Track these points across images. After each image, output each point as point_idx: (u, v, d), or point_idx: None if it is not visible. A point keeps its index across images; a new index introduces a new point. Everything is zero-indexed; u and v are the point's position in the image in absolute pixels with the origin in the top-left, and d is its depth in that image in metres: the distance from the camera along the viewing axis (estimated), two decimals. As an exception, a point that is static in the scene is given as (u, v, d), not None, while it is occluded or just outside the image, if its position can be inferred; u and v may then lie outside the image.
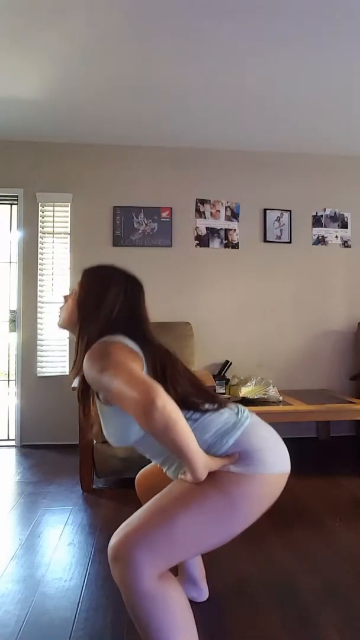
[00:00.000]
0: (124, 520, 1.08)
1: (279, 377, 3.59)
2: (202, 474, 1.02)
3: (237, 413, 1.19)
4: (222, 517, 1.05)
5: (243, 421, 1.16)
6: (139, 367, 1.06)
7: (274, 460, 1.12)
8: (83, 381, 1.19)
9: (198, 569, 1.50)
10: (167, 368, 1.13)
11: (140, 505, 1.27)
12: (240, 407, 1.23)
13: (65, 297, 1.31)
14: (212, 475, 1.06)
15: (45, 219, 3.60)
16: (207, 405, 1.16)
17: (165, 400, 0.96)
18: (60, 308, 1.31)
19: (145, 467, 1.48)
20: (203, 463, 1.02)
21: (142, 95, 2.89)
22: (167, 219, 3.62)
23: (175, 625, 1.00)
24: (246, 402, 2.98)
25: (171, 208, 3.63)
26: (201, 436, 1.09)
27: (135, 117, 3.19)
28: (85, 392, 1.22)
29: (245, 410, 1.22)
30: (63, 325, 1.30)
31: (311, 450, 3.41)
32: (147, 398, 0.95)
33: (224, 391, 3.11)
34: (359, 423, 3.57)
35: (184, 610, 1.02)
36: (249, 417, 1.19)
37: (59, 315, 1.31)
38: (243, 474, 1.06)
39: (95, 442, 2.56)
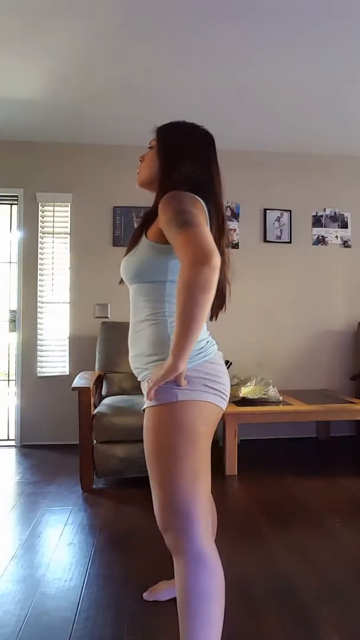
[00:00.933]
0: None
1: (279, 377, 3.59)
2: (181, 367, 1.02)
3: (209, 335, 1.23)
4: (191, 443, 1.08)
5: (211, 348, 1.20)
6: None
7: (216, 392, 1.14)
8: (144, 220, 1.22)
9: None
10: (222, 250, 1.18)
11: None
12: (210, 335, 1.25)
13: (142, 157, 1.33)
14: (158, 418, 1.08)
15: (45, 219, 3.60)
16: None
17: (218, 269, 0.97)
18: (139, 168, 1.33)
19: None
20: (188, 355, 1.02)
21: (142, 95, 2.89)
22: (167, 219, 3.62)
23: (217, 594, 1.05)
24: (246, 402, 2.98)
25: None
26: None
27: (135, 117, 3.19)
28: (141, 229, 1.23)
29: (214, 341, 1.26)
30: (142, 184, 1.32)
31: (311, 450, 3.41)
32: (209, 251, 0.95)
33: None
34: (359, 423, 3.57)
35: (223, 584, 1.08)
36: (216, 349, 1.24)
37: (138, 174, 1.33)
38: (185, 402, 1.08)
39: (95, 442, 2.56)
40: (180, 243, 1.00)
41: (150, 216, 1.20)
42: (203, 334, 1.19)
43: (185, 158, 1.21)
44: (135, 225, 3.54)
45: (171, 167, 1.20)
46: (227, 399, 1.20)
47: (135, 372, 1.23)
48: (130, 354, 1.23)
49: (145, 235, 1.17)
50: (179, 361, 1.01)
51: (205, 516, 1.09)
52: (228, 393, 1.20)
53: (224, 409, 1.19)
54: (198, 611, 1.03)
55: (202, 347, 1.15)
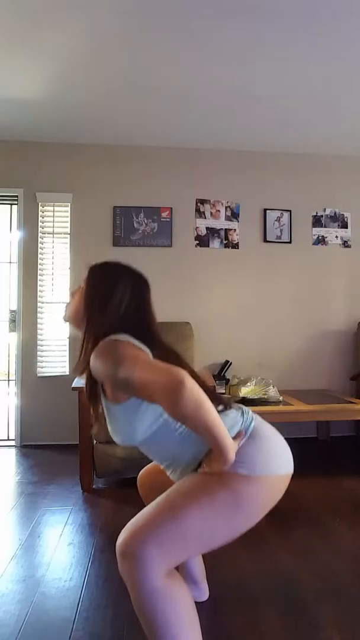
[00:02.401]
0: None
1: (279, 377, 3.58)
2: (232, 454, 1.03)
3: (242, 414, 1.20)
4: (229, 514, 1.06)
5: (249, 422, 1.17)
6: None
7: (279, 461, 1.13)
8: (90, 379, 1.17)
9: (199, 568, 1.50)
10: None
11: (141, 504, 1.27)
12: (244, 407, 1.23)
13: (73, 293, 1.30)
14: (218, 475, 1.07)
15: (45, 219, 3.60)
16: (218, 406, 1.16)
17: (192, 380, 0.97)
18: (67, 303, 1.31)
19: (148, 465, 1.48)
20: (231, 443, 1.03)
21: (142, 95, 2.89)
22: (167, 219, 3.62)
23: (181, 623, 1.00)
24: (246, 402, 2.98)
25: (171, 208, 3.63)
26: None
27: (135, 117, 3.19)
28: (95, 390, 1.19)
29: (250, 411, 1.23)
30: (69, 320, 1.29)
31: (311, 450, 3.41)
32: (175, 379, 0.96)
33: (224, 391, 3.11)
34: (359, 423, 3.57)
35: (189, 608, 1.03)
36: (254, 418, 1.20)
37: (65, 310, 1.31)
38: (250, 476, 1.07)
39: (95, 442, 2.56)
40: (144, 393, 1.01)
41: (92, 380, 1.16)
42: (230, 418, 1.17)
43: (114, 301, 1.18)
44: (136, 225, 3.56)
45: (98, 310, 1.18)
46: (290, 457, 1.17)
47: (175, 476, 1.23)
48: (175, 474, 1.22)
49: (108, 400, 1.16)
50: (228, 455, 1.02)
51: (172, 565, 1.04)
52: (287, 453, 1.18)
53: (288, 474, 1.16)
54: (166, 638, 0.99)
55: (243, 427, 1.14)
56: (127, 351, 1.05)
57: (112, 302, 1.18)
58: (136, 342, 1.11)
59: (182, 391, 0.94)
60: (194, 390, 0.96)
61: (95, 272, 1.26)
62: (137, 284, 1.24)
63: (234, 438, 1.09)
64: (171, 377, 0.97)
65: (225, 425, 1.08)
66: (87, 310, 1.20)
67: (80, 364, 1.17)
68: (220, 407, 1.17)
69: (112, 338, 1.09)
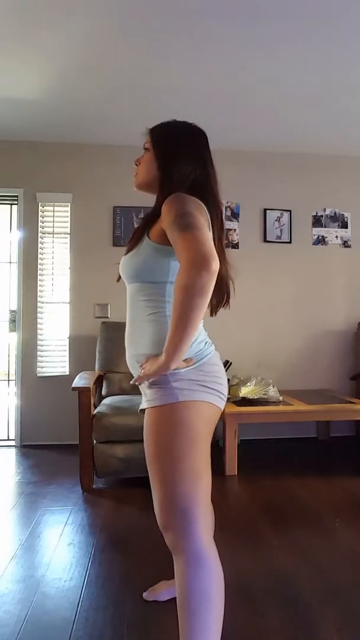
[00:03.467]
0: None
1: (279, 377, 3.59)
2: (172, 365, 1.03)
3: (206, 340, 1.22)
4: (190, 443, 1.09)
5: (206, 353, 1.18)
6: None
7: (215, 393, 1.15)
8: (145, 221, 1.22)
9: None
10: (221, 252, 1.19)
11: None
12: (208, 339, 1.25)
13: (137, 160, 1.32)
14: (158, 418, 1.10)
15: (45, 219, 3.60)
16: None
17: (216, 273, 0.98)
18: (135, 172, 1.32)
19: None
20: (182, 355, 1.03)
21: (142, 95, 2.89)
22: (167, 219, 3.62)
23: (216, 594, 1.06)
24: (246, 402, 2.98)
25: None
26: None
27: (135, 117, 3.19)
28: (142, 229, 1.22)
29: (211, 344, 1.25)
30: (141, 184, 1.31)
31: (311, 450, 3.41)
32: (208, 258, 0.96)
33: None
34: (359, 423, 3.57)
35: (222, 584, 1.09)
36: (214, 350, 1.23)
37: (135, 177, 1.32)
38: (185, 402, 1.09)
39: (95, 442, 2.56)
40: (181, 245, 1.01)
41: (152, 217, 1.19)
42: (201, 335, 1.19)
43: (183, 158, 1.21)
44: (136, 225, 3.55)
45: (170, 168, 1.20)
46: (225, 399, 1.20)
47: (132, 371, 1.23)
48: (128, 353, 1.23)
49: (148, 236, 1.17)
50: (172, 361, 1.02)
51: (205, 516, 1.09)
52: (226, 393, 1.21)
53: (222, 409, 1.20)
54: (197, 611, 1.03)
55: (201, 349, 1.15)
56: (197, 210, 1.07)
57: (181, 160, 1.20)
58: (204, 206, 1.14)
59: (202, 269, 0.96)
60: (210, 281, 0.97)
61: (158, 132, 1.27)
62: (199, 140, 1.27)
63: (185, 360, 1.10)
64: (206, 253, 0.97)
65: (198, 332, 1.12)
66: (158, 171, 1.22)
67: (153, 209, 1.20)
68: (207, 310, 1.18)
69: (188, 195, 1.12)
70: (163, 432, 1.09)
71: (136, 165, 1.33)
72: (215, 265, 0.97)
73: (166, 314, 1.14)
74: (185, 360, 1.09)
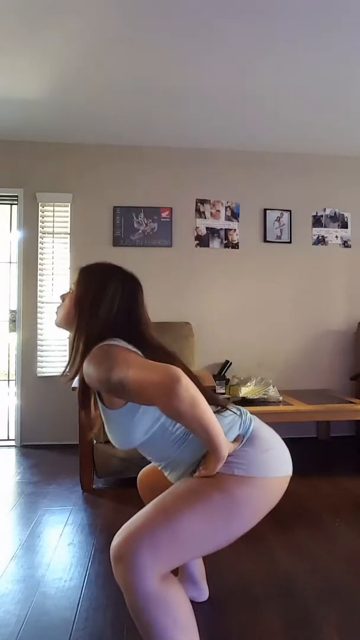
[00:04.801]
0: (124, 520, 1.07)
1: (279, 377, 3.59)
2: (225, 454, 1.02)
3: (241, 415, 1.19)
4: (225, 518, 1.05)
5: (247, 423, 1.16)
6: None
7: (277, 463, 1.13)
8: (83, 384, 1.17)
9: (198, 568, 1.50)
10: None
11: (141, 504, 1.26)
12: (243, 409, 1.22)
13: (63, 296, 1.29)
14: (215, 478, 1.06)
15: (45, 219, 3.60)
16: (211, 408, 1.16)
17: (186, 377, 0.96)
18: (58, 307, 1.28)
19: (147, 466, 1.48)
20: (225, 442, 1.03)
21: (142, 95, 2.89)
22: (167, 219, 3.62)
23: (178, 626, 0.99)
24: (246, 402, 2.98)
25: (171, 208, 3.63)
26: None
27: (135, 117, 3.19)
28: (86, 394, 1.20)
29: (248, 413, 1.22)
30: (60, 323, 1.27)
31: (311, 450, 3.41)
32: (170, 377, 0.95)
33: (224, 391, 3.11)
34: (359, 423, 3.57)
35: (186, 611, 1.02)
36: (252, 420, 1.19)
37: (56, 314, 1.28)
38: (247, 477, 1.06)
39: (95, 442, 2.56)
40: (139, 393, 0.99)
41: (83, 385, 1.17)
42: (228, 420, 1.15)
43: (105, 304, 1.16)
44: (135, 226, 3.55)
45: (88, 313, 1.16)
46: (289, 463, 1.16)
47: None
48: (174, 477, 1.21)
49: (105, 406, 1.15)
50: (221, 453, 1.01)
51: (166, 570, 1.02)
52: (285, 455, 1.17)
53: (287, 474, 1.15)
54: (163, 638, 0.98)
55: (241, 431, 1.14)
56: (119, 355, 1.04)
57: (103, 305, 1.16)
58: (128, 346, 1.10)
59: (177, 388, 0.94)
60: (189, 388, 0.95)
61: (85, 274, 1.24)
62: (128, 285, 1.22)
63: (233, 442, 1.09)
64: (166, 374, 0.96)
65: (223, 427, 1.07)
66: (77, 314, 1.18)
67: (71, 368, 1.17)
68: (218, 409, 1.15)
69: (104, 344, 1.08)
70: (211, 490, 1.05)
71: (61, 300, 1.29)
72: (182, 377, 0.95)
73: (182, 430, 1.12)
74: (233, 442, 1.09)
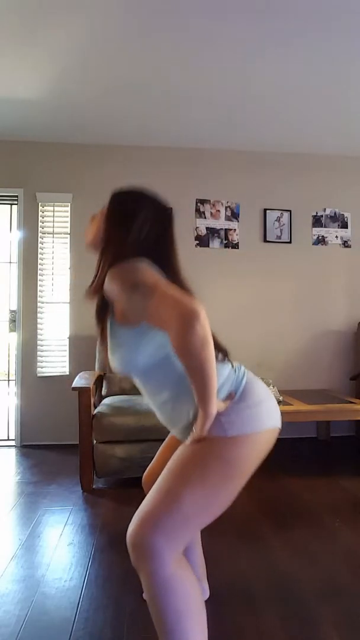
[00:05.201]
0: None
1: (279, 377, 3.59)
2: (214, 410, 1.02)
3: (235, 371, 1.18)
4: (223, 481, 1.06)
5: (240, 378, 1.15)
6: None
7: (267, 415, 1.12)
8: (102, 301, 1.15)
9: (199, 567, 1.50)
10: None
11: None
12: (237, 364, 1.21)
13: (92, 217, 1.28)
14: (208, 445, 1.06)
15: (45, 219, 3.60)
16: (218, 354, 1.15)
17: (205, 315, 0.94)
18: (87, 229, 1.28)
19: (151, 466, 1.48)
20: (215, 398, 1.02)
21: (142, 95, 2.89)
22: (167, 219, 3.62)
23: (191, 611, 1.01)
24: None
25: (171, 208, 3.61)
26: None
27: (135, 117, 3.19)
28: (104, 311, 1.17)
29: (242, 368, 1.21)
30: (90, 243, 1.26)
31: (311, 450, 3.41)
32: (192, 309, 0.92)
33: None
34: (359, 423, 3.57)
35: (198, 597, 1.05)
36: (245, 375, 1.18)
37: (85, 235, 1.28)
38: (239, 437, 1.06)
39: (95, 442, 2.56)
40: (156, 315, 0.97)
41: (102, 300, 1.15)
42: (226, 370, 1.14)
43: (134, 228, 1.15)
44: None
45: (117, 235, 1.15)
46: (278, 412, 1.16)
47: (181, 438, 1.21)
48: (175, 431, 1.20)
49: (117, 322, 1.13)
50: (211, 409, 1.00)
51: (183, 546, 1.05)
52: (276, 406, 1.16)
53: (278, 426, 1.15)
54: (175, 631, 1.00)
55: (233, 381, 1.13)
56: (146, 273, 1.03)
57: (133, 227, 1.15)
58: (155, 269, 1.09)
59: (194, 323, 0.91)
60: (206, 326, 0.93)
61: (118, 197, 1.24)
62: (160, 214, 1.22)
63: (226, 399, 1.08)
64: (189, 304, 0.93)
65: (218, 379, 1.07)
66: (105, 234, 1.18)
67: (94, 286, 1.14)
68: (220, 357, 1.14)
69: (133, 260, 1.08)
70: (201, 455, 1.05)
71: (90, 221, 1.28)
72: (202, 310, 0.93)
73: (187, 390, 1.10)
74: (225, 401, 1.08)
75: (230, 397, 1.09)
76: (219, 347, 1.14)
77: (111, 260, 1.10)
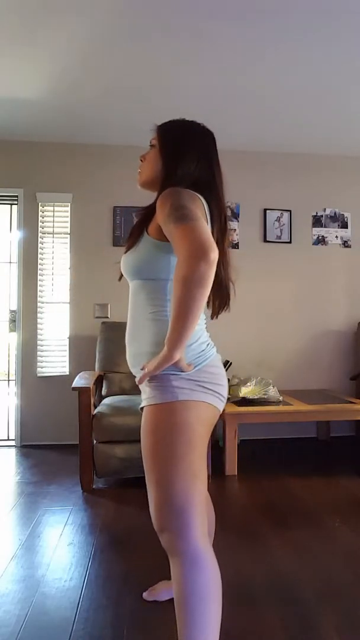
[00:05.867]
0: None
1: (279, 377, 3.59)
2: (176, 356, 1.02)
3: (208, 344, 1.20)
4: (190, 444, 1.09)
5: (207, 356, 1.16)
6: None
7: (216, 397, 1.15)
8: (143, 217, 1.20)
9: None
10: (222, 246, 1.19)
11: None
12: (210, 341, 1.23)
13: (142, 157, 1.31)
14: (163, 415, 1.09)
15: (45, 219, 3.60)
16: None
17: (215, 261, 0.96)
18: (140, 167, 1.31)
19: None
20: (183, 346, 1.02)
21: (142, 96, 2.89)
22: (167, 219, 3.62)
23: (214, 594, 1.05)
24: (246, 402, 2.98)
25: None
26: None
27: (135, 117, 3.19)
28: (141, 225, 1.20)
29: (214, 346, 1.24)
30: (145, 181, 1.29)
31: (311, 450, 3.41)
32: (206, 245, 0.95)
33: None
34: (359, 423, 3.57)
35: (220, 586, 1.08)
36: (215, 354, 1.21)
37: (139, 174, 1.31)
38: (188, 401, 1.09)
39: (95, 442, 2.56)
40: (178, 237, 0.99)
41: (149, 213, 1.18)
42: (202, 336, 1.18)
43: (188, 156, 1.20)
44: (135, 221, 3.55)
45: (173, 166, 1.19)
46: (225, 401, 1.20)
47: (133, 370, 1.22)
48: (129, 352, 1.22)
49: (147, 232, 1.16)
50: (175, 351, 1.01)
51: (201, 517, 1.09)
52: (226, 395, 1.20)
53: (221, 411, 1.19)
54: (195, 612, 1.02)
55: (203, 350, 1.15)
56: (195, 203, 1.07)
57: (186, 158, 1.19)
58: (203, 201, 1.14)
59: (202, 259, 0.94)
60: (209, 271, 0.95)
61: (165, 129, 1.26)
62: (206, 139, 1.26)
63: (188, 364, 1.09)
64: (206, 244, 0.95)
65: (199, 335, 1.13)
66: (162, 168, 1.21)
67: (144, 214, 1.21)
68: (212, 317, 1.23)
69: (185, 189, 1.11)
70: (161, 430, 1.09)
71: (141, 161, 1.31)
72: (214, 255, 0.95)
73: (167, 312, 1.13)
74: (188, 364, 1.08)
75: (189, 366, 1.09)
76: (223, 300, 1.24)
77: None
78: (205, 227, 1.01)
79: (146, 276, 1.16)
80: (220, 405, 1.17)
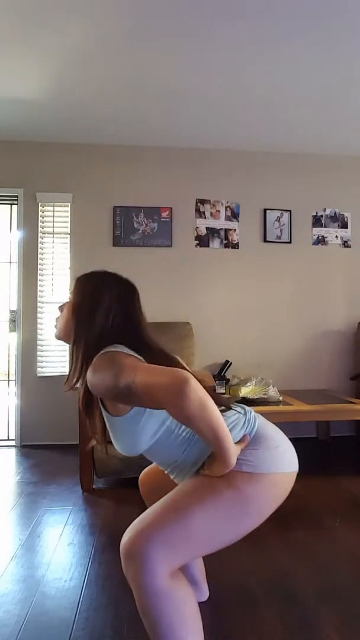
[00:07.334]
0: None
1: (279, 377, 3.59)
2: (234, 458, 1.02)
3: (245, 414, 1.20)
4: (235, 514, 1.06)
5: (252, 421, 1.17)
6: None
7: (284, 459, 1.13)
8: (86, 393, 1.16)
9: (198, 569, 1.50)
10: None
11: (141, 504, 1.27)
12: (247, 408, 1.23)
13: (61, 307, 1.28)
14: (224, 475, 1.06)
15: (45, 219, 3.60)
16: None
17: (195, 380, 0.96)
18: (57, 318, 1.28)
19: (149, 466, 1.48)
20: (233, 445, 1.03)
21: (142, 95, 2.89)
22: (167, 219, 3.62)
23: (185, 625, 1.00)
24: (246, 402, 2.98)
25: (171, 208, 3.63)
26: None
27: (135, 117, 3.19)
28: (90, 403, 1.20)
29: (252, 412, 1.22)
30: (60, 335, 1.27)
31: (311, 450, 3.41)
32: (178, 380, 0.94)
33: (224, 391, 3.11)
34: (359, 423, 3.57)
35: (193, 611, 1.03)
36: (256, 418, 1.20)
37: (55, 327, 1.28)
38: (255, 473, 1.07)
39: (95, 442, 2.56)
40: (147, 397, 0.98)
41: (87, 394, 1.16)
42: (233, 417, 1.17)
43: (101, 312, 1.16)
44: (135, 226, 3.56)
45: (86, 322, 1.16)
46: (294, 458, 1.17)
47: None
48: (178, 481, 1.22)
49: (110, 414, 1.14)
50: (230, 460, 1.02)
51: (176, 565, 1.03)
52: (289, 450, 1.17)
53: (293, 470, 1.15)
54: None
55: (247, 429, 1.15)
56: (124, 360, 1.04)
57: (100, 312, 1.16)
58: (129, 351, 1.10)
59: (186, 391, 0.93)
60: (198, 390, 0.95)
61: (81, 283, 1.24)
62: (124, 292, 1.22)
63: (239, 442, 1.09)
64: (174, 377, 0.96)
65: (227, 425, 1.07)
66: (75, 323, 1.19)
67: (72, 377, 1.16)
68: (221, 408, 1.15)
69: (106, 351, 1.08)
70: (219, 485, 1.05)
71: (60, 311, 1.28)
72: (183, 374, 0.95)
73: (187, 437, 1.13)
74: (239, 444, 1.09)
75: (244, 439, 1.10)
76: (217, 399, 1.14)
77: (84, 348, 1.13)
78: (151, 367, 1.01)
79: (152, 438, 1.14)
80: (286, 465, 1.15)
